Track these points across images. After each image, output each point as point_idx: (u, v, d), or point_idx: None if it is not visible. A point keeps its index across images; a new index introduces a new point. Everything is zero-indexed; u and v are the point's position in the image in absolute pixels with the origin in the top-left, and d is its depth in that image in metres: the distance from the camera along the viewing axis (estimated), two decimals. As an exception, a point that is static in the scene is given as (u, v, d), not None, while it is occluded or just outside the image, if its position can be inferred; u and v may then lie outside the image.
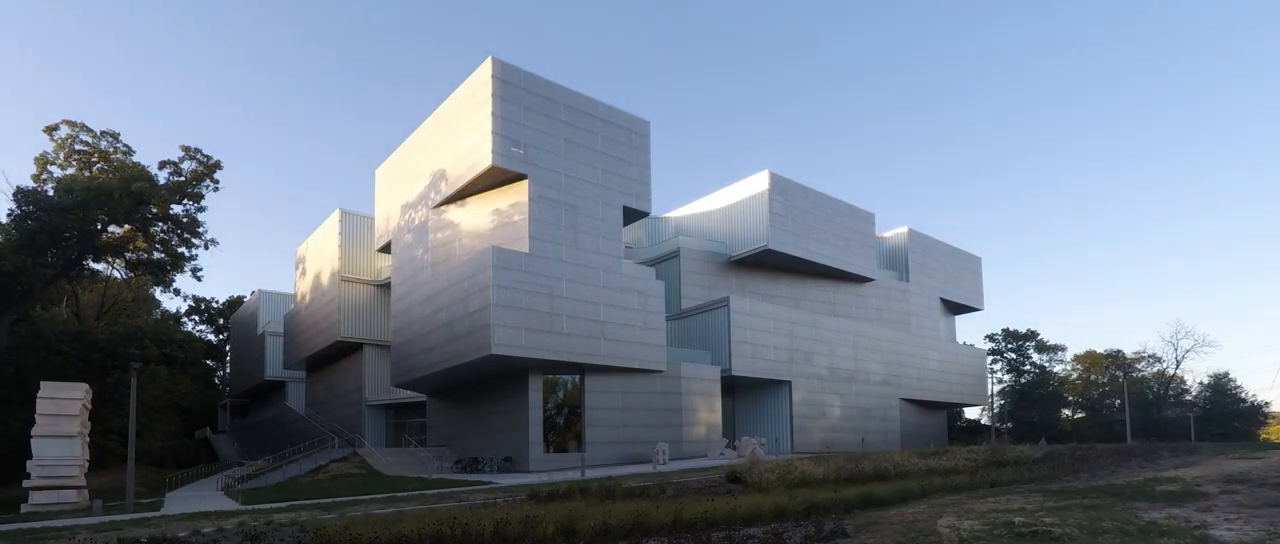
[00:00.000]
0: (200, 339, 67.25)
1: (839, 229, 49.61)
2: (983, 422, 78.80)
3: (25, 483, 24.34)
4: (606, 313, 34.58)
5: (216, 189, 40.63)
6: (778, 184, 45.61)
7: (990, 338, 79.88)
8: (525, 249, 32.45)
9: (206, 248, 41.26)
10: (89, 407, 26.55)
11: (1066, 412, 79.91)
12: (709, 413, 39.47)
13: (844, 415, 47.85)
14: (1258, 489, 15.51)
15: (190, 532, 14.27)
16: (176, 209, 39.50)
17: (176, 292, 46.13)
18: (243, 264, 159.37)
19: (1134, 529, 10.40)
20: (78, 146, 38.89)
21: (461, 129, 34.55)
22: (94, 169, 38.86)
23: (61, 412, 24.91)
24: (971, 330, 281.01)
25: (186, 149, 39.60)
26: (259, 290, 64.29)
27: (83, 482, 25.26)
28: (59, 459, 24.47)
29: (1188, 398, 72.52)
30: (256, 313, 63.44)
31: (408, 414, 46.84)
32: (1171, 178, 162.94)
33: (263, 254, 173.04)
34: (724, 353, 41.21)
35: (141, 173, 37.56)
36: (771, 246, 44.56)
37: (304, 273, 52.37)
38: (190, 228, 40.25)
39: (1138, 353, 76.48)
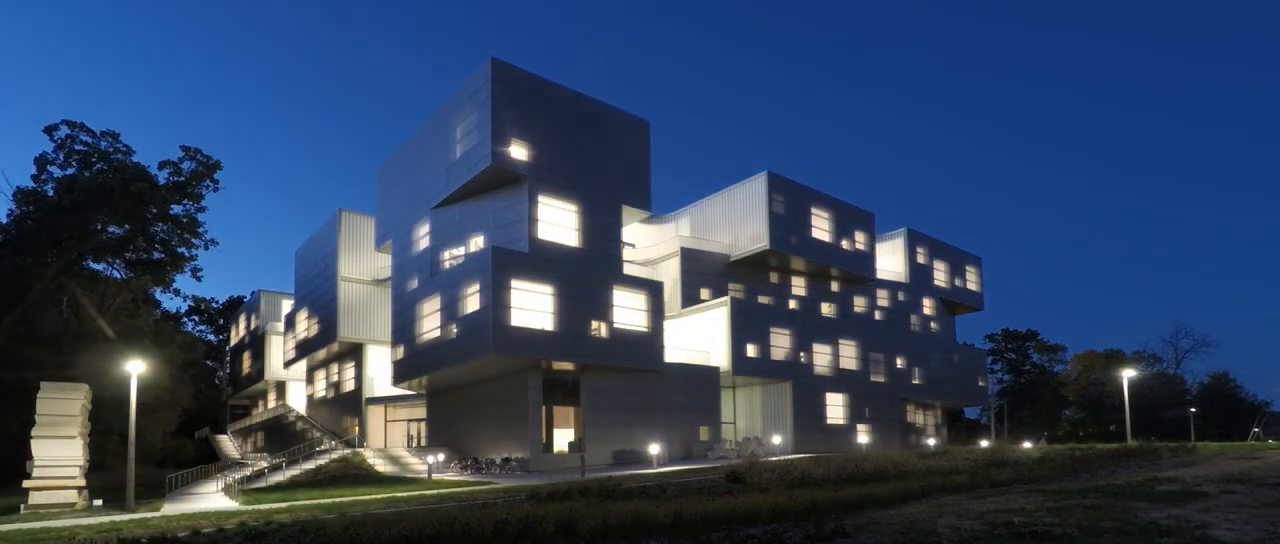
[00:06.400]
0: (200, 339, 67.20)
1: (839, 229, 49.60)
2: (982, 421, 78.87)
3: (25, 483, 24.30)
4: (606, 313, 34.56)
5: (216, 189, 40.60)
6: (778, 184, 45.59)
7: (990, 338, 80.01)
8: (525, 249, 32.45)
9: (206, 248, 41.24)
10: (89, 407, 26.52)
11: (1066, 412, 79.93)
12: (709, 413, 39.45)
13: (844, 415, 47.84)
14: (1257, 489, 15.53)
15: (190, 532, 14.27)
16: (176, 209, 39.48)
17: (176, 292, 46.06)
18: (243, 264, 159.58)
19: (1134, 529, 10.41)
20: (77, 147, 38.84)
21: (461, 129, 34.55)
22: (94, 169, 38.82)
23: (61, 412, 24.86)
24: (971, 330, 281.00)
25: (186, 149, 39.58)
26: (259, 290, 64.30)
27: (83, 482, 25.22)
28: (59, 459, 24.42)
29: (1188, 398, 72.53)
30: (257, 312, 63.47)
31: (407, 414, 46.82)
32: (1172, 177, 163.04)
33: (263, 254, 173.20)
34: (723, 352, 41.21)
35: (141, 173, 37.52)
36: (771, 246, 44.56)
37: (304, 273, 52.36)
38: (190, 228, 40.23)
39: (1138, 353, 76.56)
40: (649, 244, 48.33)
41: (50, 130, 38.64)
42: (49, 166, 38.69)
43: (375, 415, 46.68)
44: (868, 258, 52.16)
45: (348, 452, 37.31)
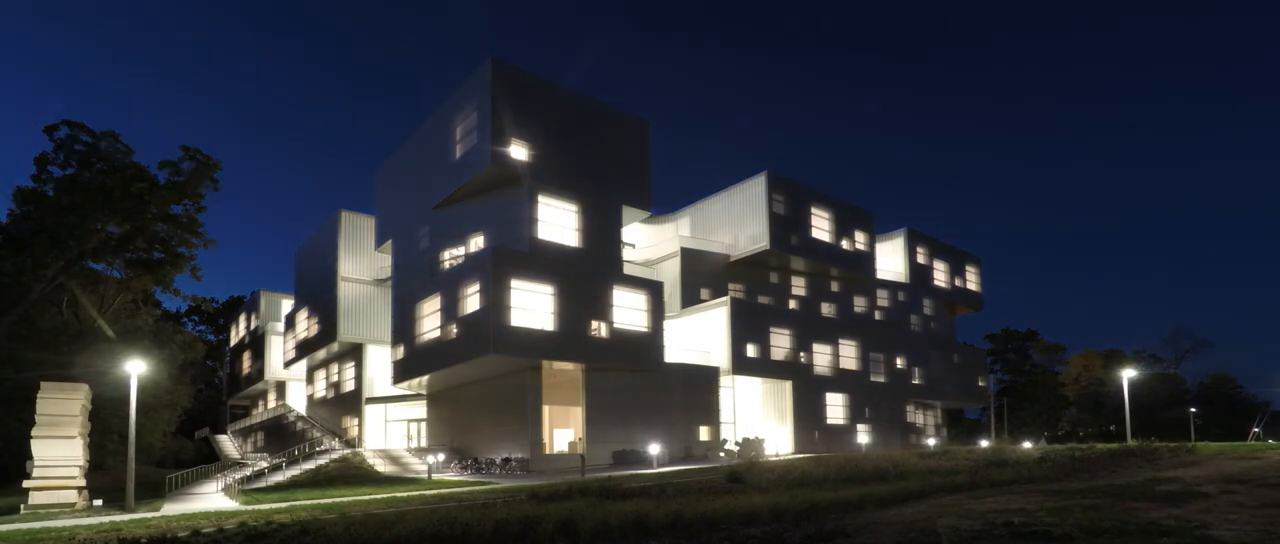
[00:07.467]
0: (200, 339, 67.17)
1: (839, 229, 49.61)
2: (982, 422, 78.98)
3: (25, 483, 24.30)
4: (606, 313, 34.54)
5: (216, 189, 40.56)
6: (778, 184, 45.60)
7: (990, 338, 80.00)
8: (525, 249, 32.44)
9: (206, 248, 41.20)
10: (89, 407, 26.51)
11: (1066, 412, 79.97)
12: (709, 413, 39.45)
13: (844, 415, 47.85)
14: (1257, 489, 15.53)
15: (190, 532, 14.28)
16: (176, 209, 39.44)
17: (176, 292, 46.00)
18: (243, 264, 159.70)
19: (1134, 529, 10.41)
20: (77, 147, 38.80)
21: (461, 129, 34.54)
22: (94, 169, 38.78)
23: (61, 412, 24.84)
24: (971, 330, 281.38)
25: (186, 149, 39.51)
26: (259, 290, 64.30)
27: (83, 482, 25.22)
28: (59, 459, 24.41)
29: (1188, 398, 72.58)
30: (257, 312, 63.50)
31: (407, 413, 46.83)
32: (1173, 178, 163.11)
33: (263, 254, 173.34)
34: (723, 352, 41.20)
35: (141, 173, 37.49)
36: (771, 247, 44.56)
37: (304, 273, 52.37)
38: (190, 228, 40.20)
39: (1138, 353, 76.65)
40: (649, 244, 48.37)
41: (50, 130, 38.57)
42: (49, 166, 38.63)
43: (375, 415, 46.68)
44: (868, 258, 52.17)
45: (347, 452, 37.33)
